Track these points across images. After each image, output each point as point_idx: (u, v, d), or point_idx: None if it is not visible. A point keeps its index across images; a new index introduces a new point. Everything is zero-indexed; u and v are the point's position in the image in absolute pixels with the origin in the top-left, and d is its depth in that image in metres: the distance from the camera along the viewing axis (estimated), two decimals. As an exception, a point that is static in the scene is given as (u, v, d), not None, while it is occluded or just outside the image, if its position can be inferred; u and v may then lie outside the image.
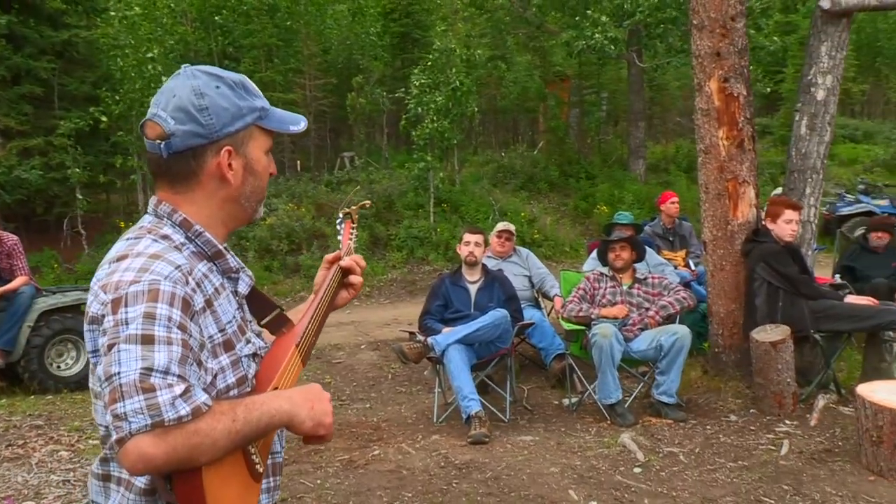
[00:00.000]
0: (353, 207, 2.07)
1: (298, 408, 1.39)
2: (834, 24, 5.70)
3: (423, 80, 12.85)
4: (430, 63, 13.00)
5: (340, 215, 2.07)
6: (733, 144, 5.35)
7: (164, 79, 10.84)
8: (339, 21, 18.50)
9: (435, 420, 5.35)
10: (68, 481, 4.40)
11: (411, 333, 5.69)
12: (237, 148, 1.45)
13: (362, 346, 7.87)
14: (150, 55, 11.89)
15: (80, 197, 12.28)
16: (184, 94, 1.41)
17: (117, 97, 12.03)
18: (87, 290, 7.31)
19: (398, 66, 18.16)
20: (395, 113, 16.64)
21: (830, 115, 5.73)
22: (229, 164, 1.44)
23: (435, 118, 12.64)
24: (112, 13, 12.40)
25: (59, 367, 6.71)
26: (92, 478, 1.46)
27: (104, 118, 11.97)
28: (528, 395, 5.90)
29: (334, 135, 18.66)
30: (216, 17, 14.84)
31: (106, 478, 1.42)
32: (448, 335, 5.23)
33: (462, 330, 5.22)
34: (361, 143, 17.38)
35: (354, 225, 2.05)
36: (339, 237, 2.02)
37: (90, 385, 1.44)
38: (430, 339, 5.26)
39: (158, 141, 1.40)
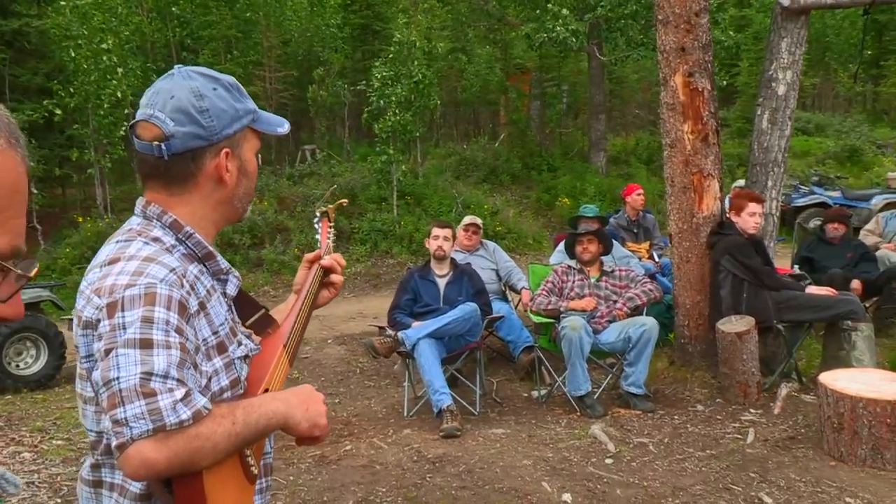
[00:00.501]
0: (330, 206, 2.07)
1: (294, 409, 1.39)
2: (793, 21, 5.81)
3: (384, 73, 12.79)
4: (391, 55, 12.94)
5: (318, 214, 2.07)
6: (698, 138, 5.44)
7: (119, 70, 10.66)
8: (298, 13, 18.31)
9: (405, 414, 5.35)
10: (33, 483, 4.30)
11: (381, 328, 5.67)
12: (234, 150, 1.45)
13: (329, 341, 7.83)
14: (104, 46, 11.62)
15: (35, 191, 11.96)
16: (183, 96, 1.39)
17: (72, 89, 11.74)
18: (45, 287, 7.17)
19: (359, 59, 18.06)
20: (356, 105, 16.53)
21: (791, 110, 5.86)
22: (226, 166, 1.44)
23: (397, 111, 12.59)
24: (63, 2, 12.09)
25: (17, 366, 6.56)
26: (82, 484, 1.43)
27: (58, 111, 11.68)
28: (497, 388, 5.94)
29: (295, 128, 18.48)
30: (173, 8, 14.56)
31: (97, 484, 1.39)
32: (418, 329, 5.24)
33: (432, 324, 5.23)
34: (323, 135, 17.26)
35: (332, 223, 2.05)
36: (318, 236, 2.02)
37: (78, 390, 1.41)
38: (400, 334, 5.26)
39: (157, 142, 1.38)
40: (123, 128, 12.18)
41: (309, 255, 1.83)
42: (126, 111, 12.12)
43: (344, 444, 4.81)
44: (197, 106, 1.39)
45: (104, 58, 11.61)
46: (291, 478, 4.26)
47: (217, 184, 1.45)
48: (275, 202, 12.83)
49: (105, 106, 11.53)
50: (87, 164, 12.38)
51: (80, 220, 12.10)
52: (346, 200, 2.47)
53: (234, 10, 15.13)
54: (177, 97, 1.39)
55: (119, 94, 11.49)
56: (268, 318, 1.60)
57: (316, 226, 2.03)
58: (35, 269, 0.96)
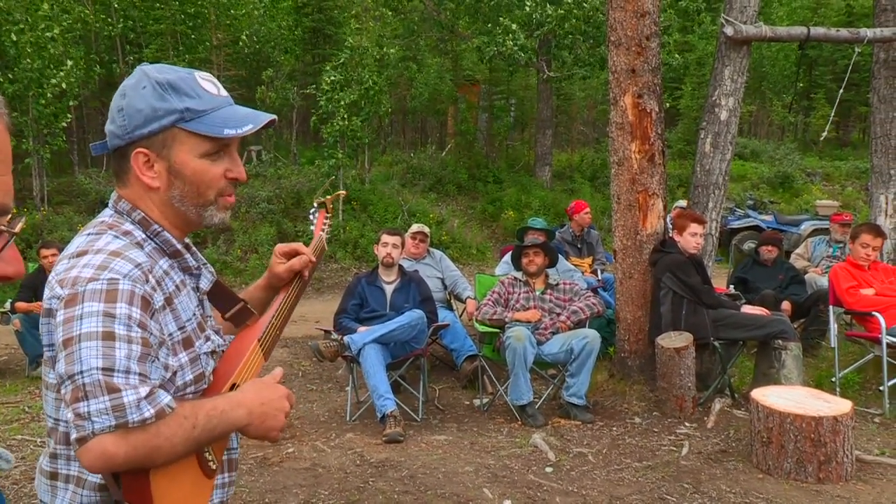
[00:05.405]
0: (328, 197, 2.07)
1: (253, 417, 1.40)
2: (736, 51, 6.05)
3: (334, 78, 12.75)
4: (342, 60, 12.91)
5: (315, 204, 2.07)
6: (645, 158, 5.61)
7: (69, 62, 10.33)
8: (249, 12, 18.08)
9: (348, 418, 5.36)
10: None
11: (326, 331, 5.67)
12: (158, 151, 1.40)
13: (270, 344, 7.75)
14: (49, 35, 11.31)
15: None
16: (117, 94, 1.42)
17: (10, 75, 11.37)
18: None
19: (309, 62, 17.92)
20: (304, 109, 16.40)
21: (732, 135, 6.09)
22: (152, 167, 1.41)
23: (346, 116, 12.56)
24: (4, -16, 11.67)
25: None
26: (40, 475, 1.43)
27: (-4, 97, 11.26)
28: (440, 396, 6.00)
29: (241, 127, 18.18)
30: (115, 4, 14.18)
31: (53, 476, 1.39)
32: (364, 334, 5.26)
33: (379, 329, 5.26)
34: (269, 137, 17.06)
35: (329, 215, 2.04)
36: (312, 227, 2.02)
37: (42, 376, 1.42)
38: (346, 338, 5.28)
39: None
40: (67, 119, 11.87)
41: (283, 247, 1.77)
42: (70, 103, 11.79)
43: (286, 446, 4.79)
44: (117, 104, 1.40)
45: (49, 46, 11.29)
46: (233, 479, 4.22)
47: (144, 185, 1.43)
48: (218, 202, 12.63)
49: (47, 95, 11.21)
50: (24, 154, 11.98)
51: (15, 211, 11.64)
52: (344, 192, 2.48)
53: (183, 6, 14.80)
54: (115, 95, 1.42)
55: (64, 86, 11.19)
56: (246, 310, 1.61)
57: (311, 217, 2.03)
58: (20, 225, 0.98)
